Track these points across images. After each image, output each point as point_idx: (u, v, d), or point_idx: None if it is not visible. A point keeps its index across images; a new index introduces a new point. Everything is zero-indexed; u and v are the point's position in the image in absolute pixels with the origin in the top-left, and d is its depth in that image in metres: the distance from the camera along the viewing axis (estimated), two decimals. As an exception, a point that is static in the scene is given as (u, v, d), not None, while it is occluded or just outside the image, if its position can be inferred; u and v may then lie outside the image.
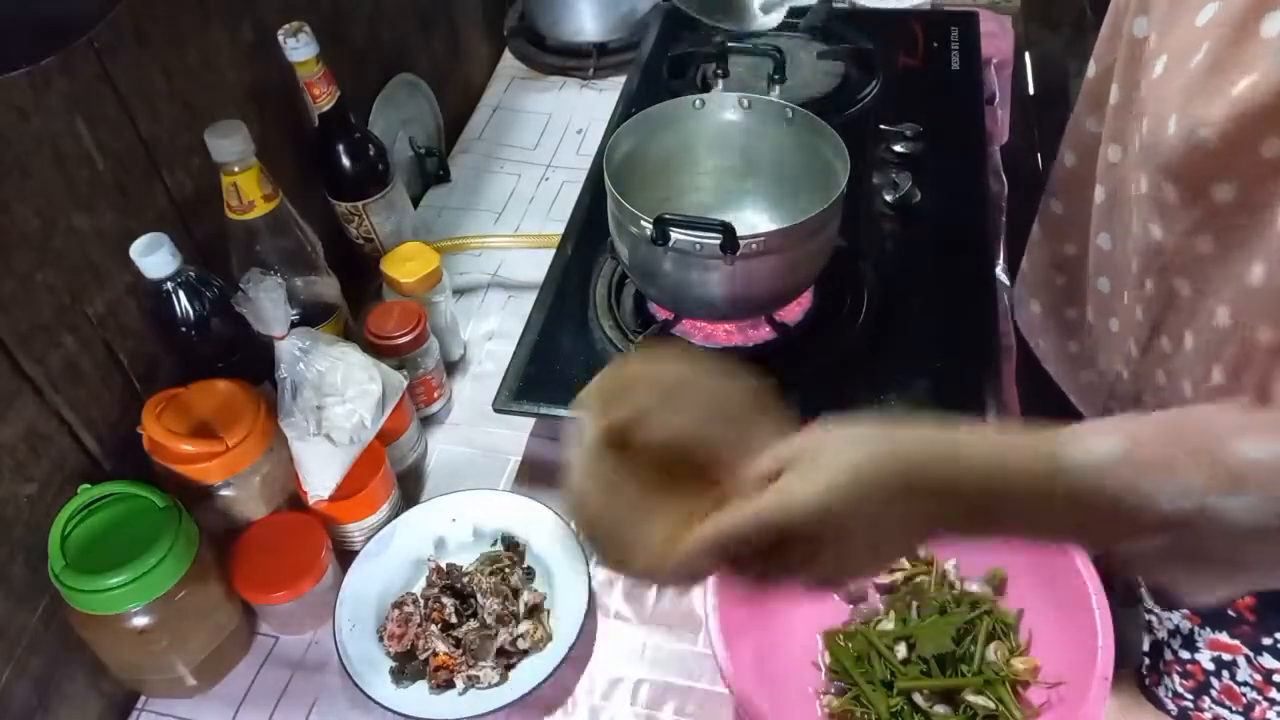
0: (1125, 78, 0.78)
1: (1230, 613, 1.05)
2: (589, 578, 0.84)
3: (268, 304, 0.79)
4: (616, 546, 0.52)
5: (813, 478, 0.47)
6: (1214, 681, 1.15)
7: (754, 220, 1.04)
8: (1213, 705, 1.19)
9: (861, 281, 1.03)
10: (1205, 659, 1.14)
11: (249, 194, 0.86)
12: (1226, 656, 1.12)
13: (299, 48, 0.93)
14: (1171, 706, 1.26)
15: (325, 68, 0.96)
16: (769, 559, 0.49)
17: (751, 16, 0.86)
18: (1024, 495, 0.47)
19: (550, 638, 0.83)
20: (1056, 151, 0.99)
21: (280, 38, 0.93)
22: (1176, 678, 1.21)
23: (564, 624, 0.83)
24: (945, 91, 1.27)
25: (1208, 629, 1.11)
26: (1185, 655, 1.16)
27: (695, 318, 0.98)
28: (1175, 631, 1.17)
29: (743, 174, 1.03)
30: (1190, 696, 1.21)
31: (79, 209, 0.77)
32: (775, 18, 0.85)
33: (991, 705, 0.74)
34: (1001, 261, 1.12)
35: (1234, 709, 1.17)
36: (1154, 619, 1.20)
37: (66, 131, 0.75)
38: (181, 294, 0.81)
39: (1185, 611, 1.12)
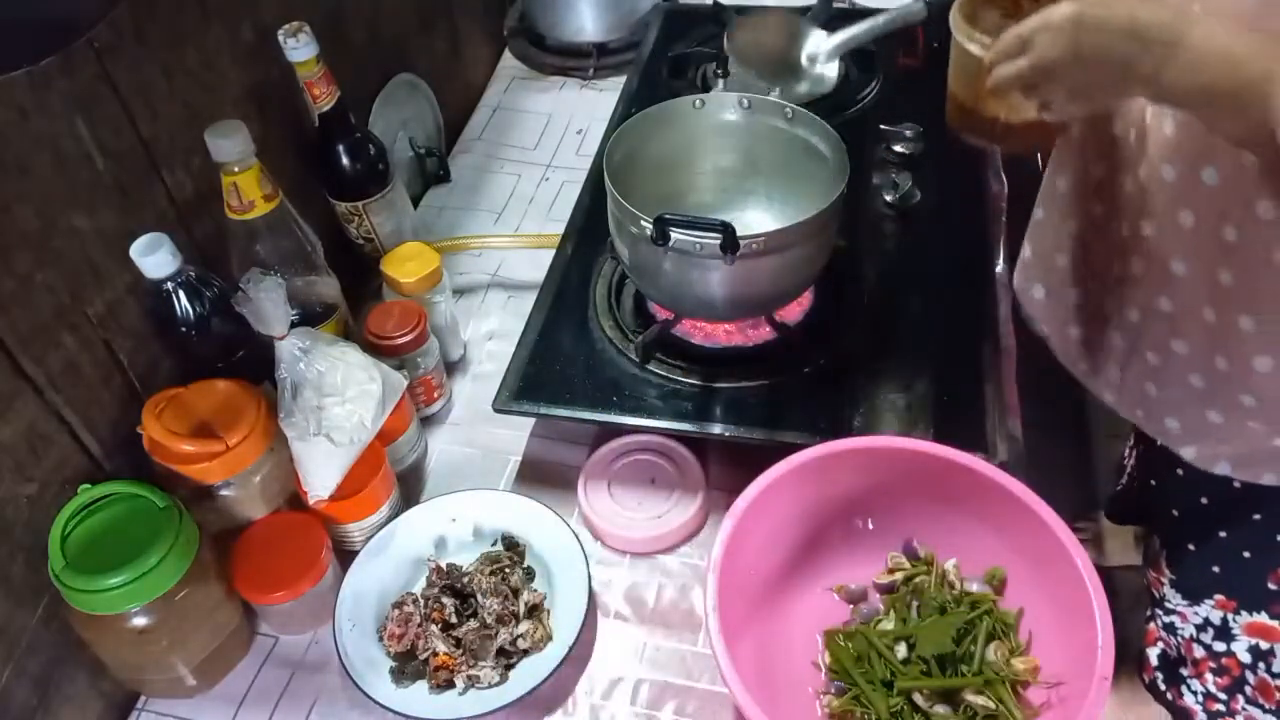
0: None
1: (1271, 586, 1.04)
2: (589, 578, 0.84)
3: (268, 304, 0.79)
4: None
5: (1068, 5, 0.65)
6: (1249, 676, 1.14)
7: (754, 220, 1.04)
8: (1246, 705, 1.17)
9: (861, 281, 1.03)
10: (1242, 649, 1.13)
11: (249, 194, 0.86)
12: (1265, 645, 1.10)
13: (299, 48, 0.93)
14: (1201, 715, 1.24)
15: (325, 68, 0.97)
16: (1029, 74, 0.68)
17: (804, 73, 0.88)
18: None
19: (550, 638, 0.83)
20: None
21: (280, 38, 0.93)
22: (1210, 676, 1.19)
23: (564, 624, 0.83)
24: (945, 91, 1.27)
25: (1244, 612, 1.09)
26: (1220, 647, 1.14)
27: (695, 318, 0.98)
28: (1205, 624, 1.15)
29: (743, 174, 1.03)
30: (1224, 696, 1.19)
31: (79, 209, 0.77)
32: (828, 70, 0.88)
33: (991, 705, 0.74)
34: (1001, 261, 1.12)
35: (1267, 707, 1.16)
36: (1176, 619, 1.19)
37: (66, 131, 0.75)
38: (181, 294, 0.81)
39: (1215, 599, 1.11)
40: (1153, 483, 1.11)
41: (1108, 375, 0.99)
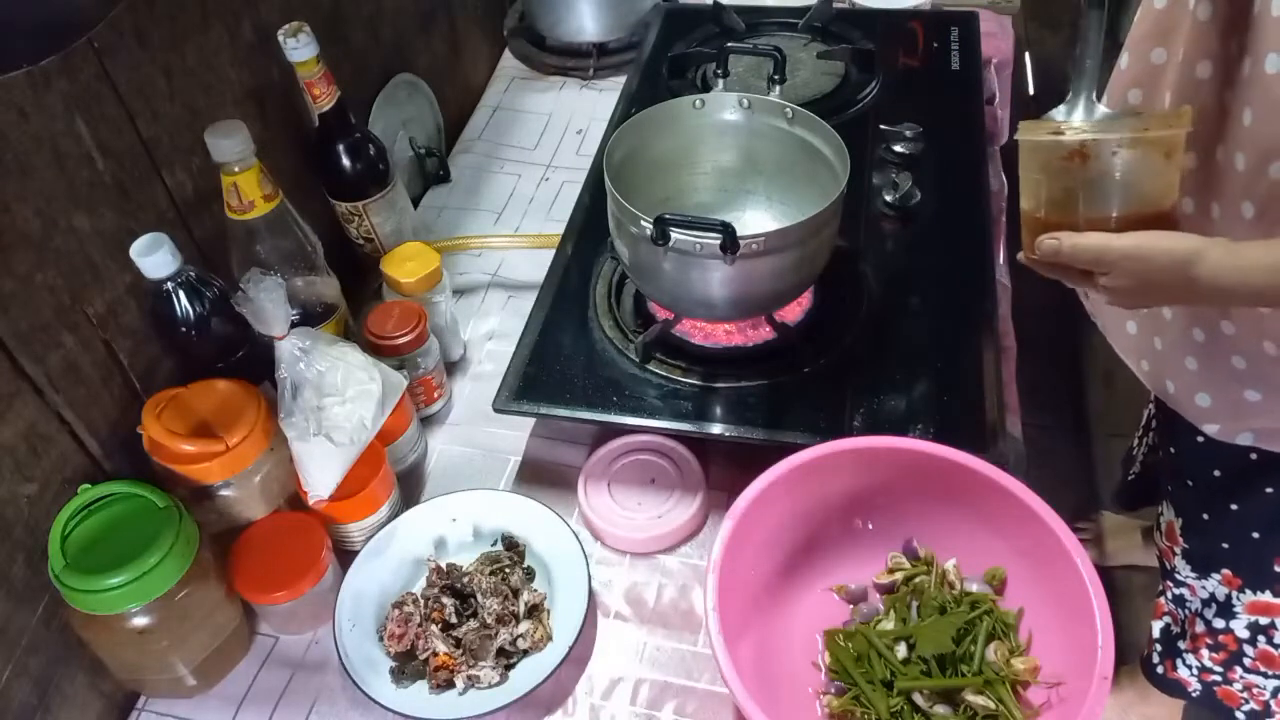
0: None
1: (1277, 569, 1.05)
2: (589, 578, 0.84)
3: (268, 304, 0.79)
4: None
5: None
6: (1247, 649, 1.15)
7: (754, 220, 1.04)
8: (1245, 674, 1.18)
9: (861, 281, 1.03)
10: (1240, 626, 1.14)
11: (249, 194, 0.86)
12: (1264, 620, 1.11)
13: (299, 48, 0.93)
14: (1195, 685, 1.26)
15: (325, 68, 0.97)
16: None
17: None
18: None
19: (550, 638, 0.83)
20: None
21: (280, 38, 0.93)
22: (1206, 652, 1.20)
23: (564, 624, 0.83)
24: (945, 91, 1.27)
25: (1248, 591, 1.11)
26: (1219, 624, 1.16)
27: (695, 318, 0.98)
28: (1210, 600, 1.16)
29: (743, 174, 1.03)
30: (1219, 669, 1.20)
31: (79, 209, 0.77)
32: None
33: (991, 705, 0.74)
34: (1001, 261, 1.12)
35: (1270, 673, 1.17)
36: (1185, 591, 1.20)
37: (66, 131, 0.75)
38: (181, 294, 0.81)
39: (1223, 574, 1.11)
40: (1172, 450, 1.12)
41: (1147, 344, 0.99)
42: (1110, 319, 1.05)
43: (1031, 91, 1.82)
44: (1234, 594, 1.12)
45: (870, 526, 0.86)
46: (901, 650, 0.79)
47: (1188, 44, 0.83)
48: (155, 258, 0.78)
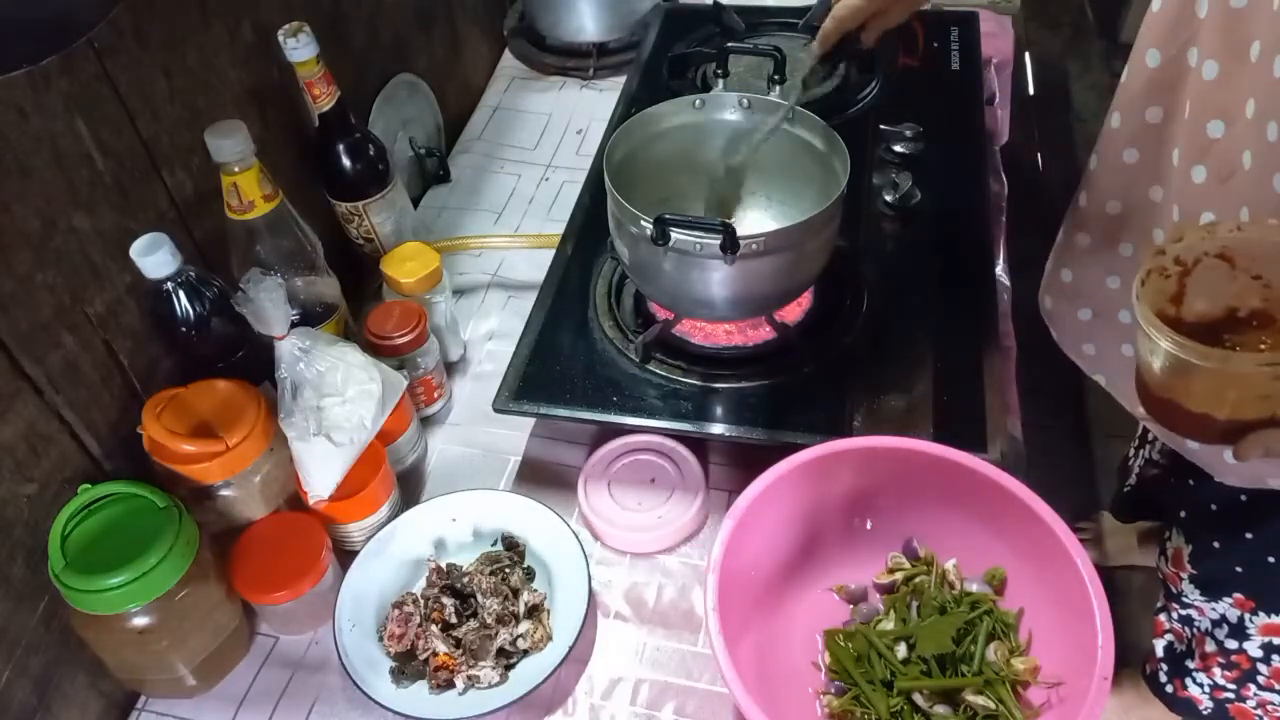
0: (1226, 48, 0.75)
1: None
2: (589, 578, 0.84)
3: (268, 304, 0.79)
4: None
5: None
6: (1261, 667, 1.15)
7: (754, 220, 1.04)
8: (1259, 691, 1.18)
9: (861, 281, 1.03)
10: (1254, 646, 1.13)
11: (249, 194, 0.86)
12: (1278, 640, 1.11)
13: (299, 48, 0.93)
14: (1207, 703, 1.25)
15: (325, 68, 0.97)
16: None
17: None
18: None
19: (550, 638, 0.83)
20: (1058, 151, 0.97)
21: (280, 38, 0.93)
22: (1218, 670, 1.19)
23: (564, 624, 0.83)
24: (945, 91, 1.27)
25: (1261, 613, 1.10)
26: (1231, 645, 1.15)
27: (695, 318, 0.98)
28: (1221, 621, 1.15)
29: (743, 174, 1.03)
30: (1232, 687, 1.20)
31: (79, 209, 0.77)
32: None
33: (991, 705, 0.74)
34: (1001, 261, 1.12)
35: None
36: (1193, 612, 1.19)
37: (66, 131, 0.75)
38: (181, 294, 0.81)
39: (1235, 598, 1.11)
40: (1190, 481, 1.11)
41: None
42: (1117, 379, 1.03)
43: (1031, 91, 1.82)
44: (1247, 616, 1.11)
45: (870, 526, 0.86)
46: (901, 650, 0.79)
47: (1194, 102, 0.80)
48: (155, 258, 0.78)
